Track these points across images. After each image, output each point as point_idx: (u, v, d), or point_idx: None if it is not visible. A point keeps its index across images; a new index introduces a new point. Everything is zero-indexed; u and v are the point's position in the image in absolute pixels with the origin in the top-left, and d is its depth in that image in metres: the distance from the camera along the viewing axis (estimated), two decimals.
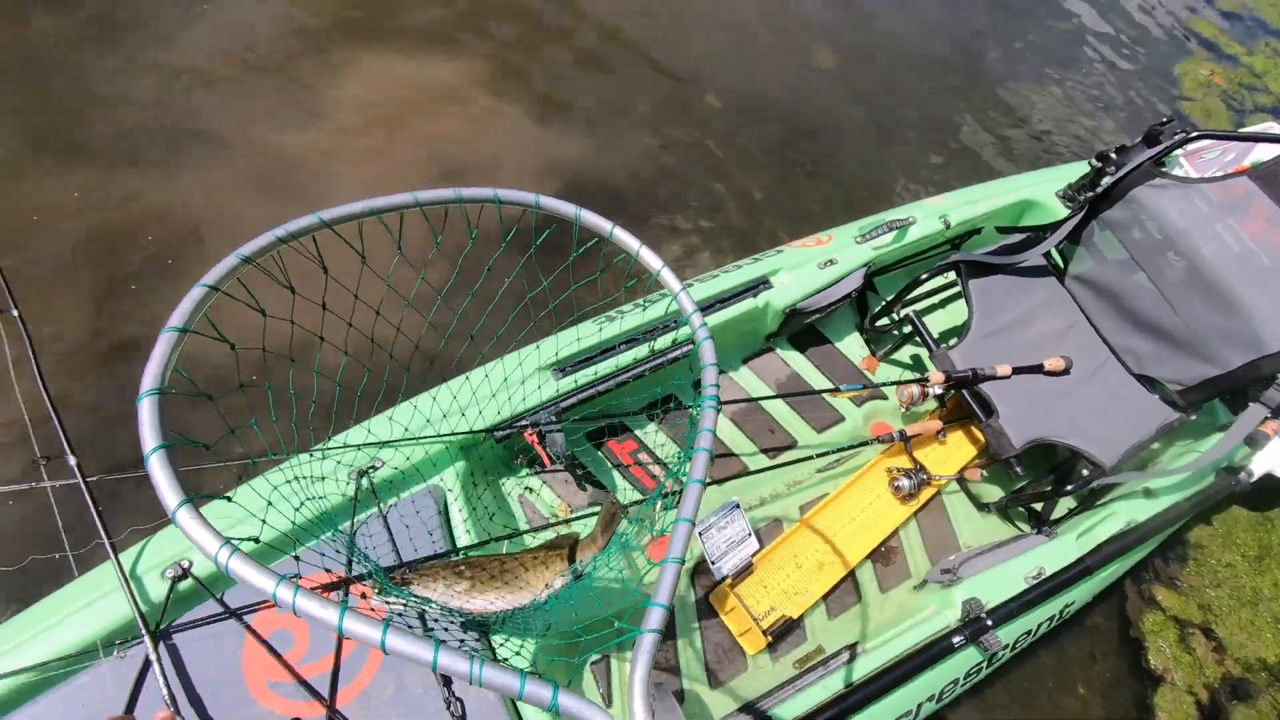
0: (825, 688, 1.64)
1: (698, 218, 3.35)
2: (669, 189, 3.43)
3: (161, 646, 1.36)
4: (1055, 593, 1.79)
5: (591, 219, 1.11)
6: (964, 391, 2.09)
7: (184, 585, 1.47)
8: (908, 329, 2.34)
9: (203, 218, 2.88)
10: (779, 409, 2.24)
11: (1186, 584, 2.58)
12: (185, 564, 1.48)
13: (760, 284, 2.15)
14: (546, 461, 1.83)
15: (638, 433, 2.12)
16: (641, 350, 1.95)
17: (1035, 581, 1.83)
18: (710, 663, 1.85)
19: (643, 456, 2.09)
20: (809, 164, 3.64)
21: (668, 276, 1.12)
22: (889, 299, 2.34)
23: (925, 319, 2.28)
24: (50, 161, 2.97)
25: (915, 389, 2.11)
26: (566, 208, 1.10)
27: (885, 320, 2.40)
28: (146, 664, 1.38)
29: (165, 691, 1.30)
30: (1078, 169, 2.65)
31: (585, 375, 1.88)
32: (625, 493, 2.02)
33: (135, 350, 2.56)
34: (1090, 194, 2.21)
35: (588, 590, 1.50)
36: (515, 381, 1.83)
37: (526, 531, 1.77)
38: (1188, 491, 2.05)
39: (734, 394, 2.24)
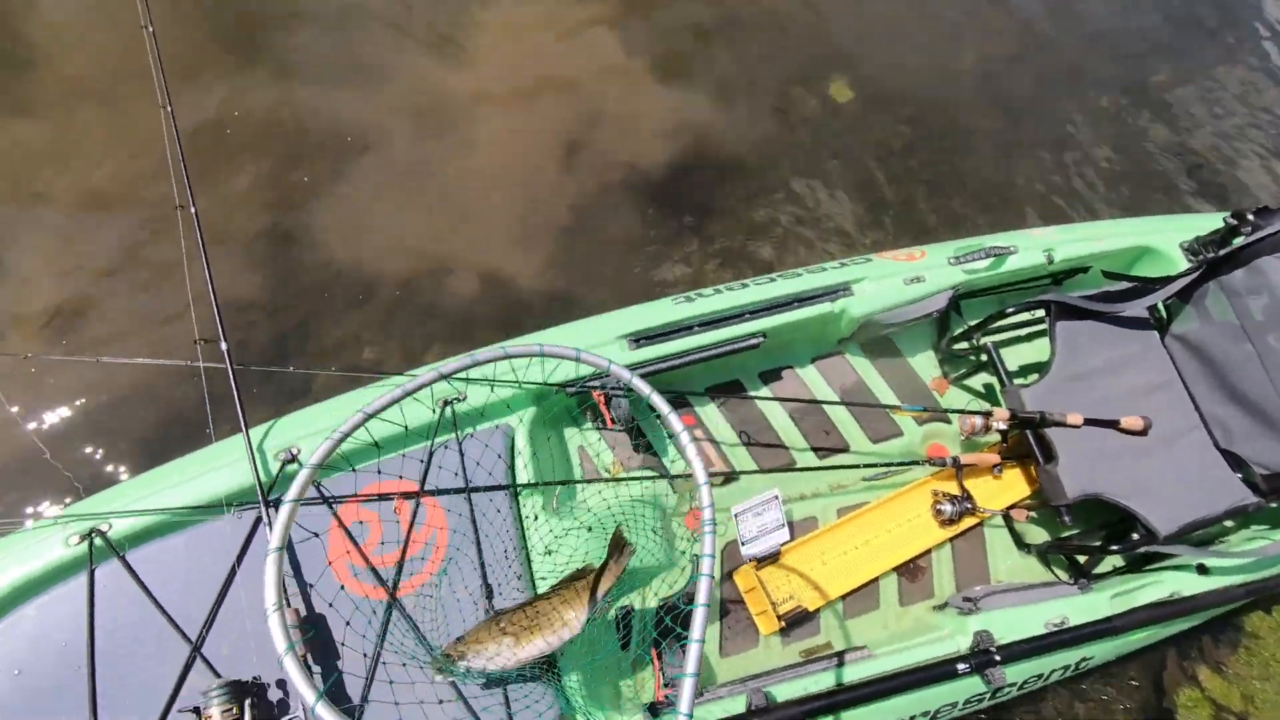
0: (825, 680, 1.76)
1: (803, 204, 3.37)
2: (782, 171, 3.46)
3: (266, 513, 1.63)
4: (1073, 644, 1.81)
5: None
6: (1028, 431, 2.09)
7: (291, 467, 1.74)
8: (985, 357, 2.33)
9: (364, 132, 3.20)
10: (838, 413, 2.31)
11: (1233, 670, 2.49)
12: (295, 450, 1.76)
13: (841, 289, 2.20)
14: (609, 422, 2.00)
15: (697, 409, 2.25)
16: (712, 335, 2.06)
17: (1055, 629, 1.85)
18: (724, 632, 2.00)
19: (698, 432, 2.22)
20: (927, 172, 3.55)
21: (678, 433, 1.31)
22: (972, 324, 2.33)
23: (1004, 351, 2.26)
24: (232, 62, 3.35)
25: (979, 420, 2.13)
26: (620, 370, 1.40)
27: (964, 345, 2.40)
28: (257, 524, 1.67)
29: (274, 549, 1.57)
30: (1210, 221, 2.49)
31: (658, 350, 2.02)
32: (674, 463, 2.17)
33: (293, 243, 2.92)
34: (1215, 253, 2.10)
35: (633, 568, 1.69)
36: (593, 344, 1.99)
37: (578, 482, 1.95)
38: (1247, 577, 1.99)
39: (796, 391, 2.32)
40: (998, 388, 2.40)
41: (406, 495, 1.74)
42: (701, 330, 2.07)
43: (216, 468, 1.71)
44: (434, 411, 1.85)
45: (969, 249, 2.34)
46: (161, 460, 1.78)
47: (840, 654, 1.88)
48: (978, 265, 2.30)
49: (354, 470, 1.80)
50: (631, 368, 2.03)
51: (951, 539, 2.19)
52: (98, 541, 1.60)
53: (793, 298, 2.17)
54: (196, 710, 1.46)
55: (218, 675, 1.54)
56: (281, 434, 1.78)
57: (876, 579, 2.10)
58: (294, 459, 1.74)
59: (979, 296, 2.39)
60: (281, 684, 1.57)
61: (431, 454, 1.81)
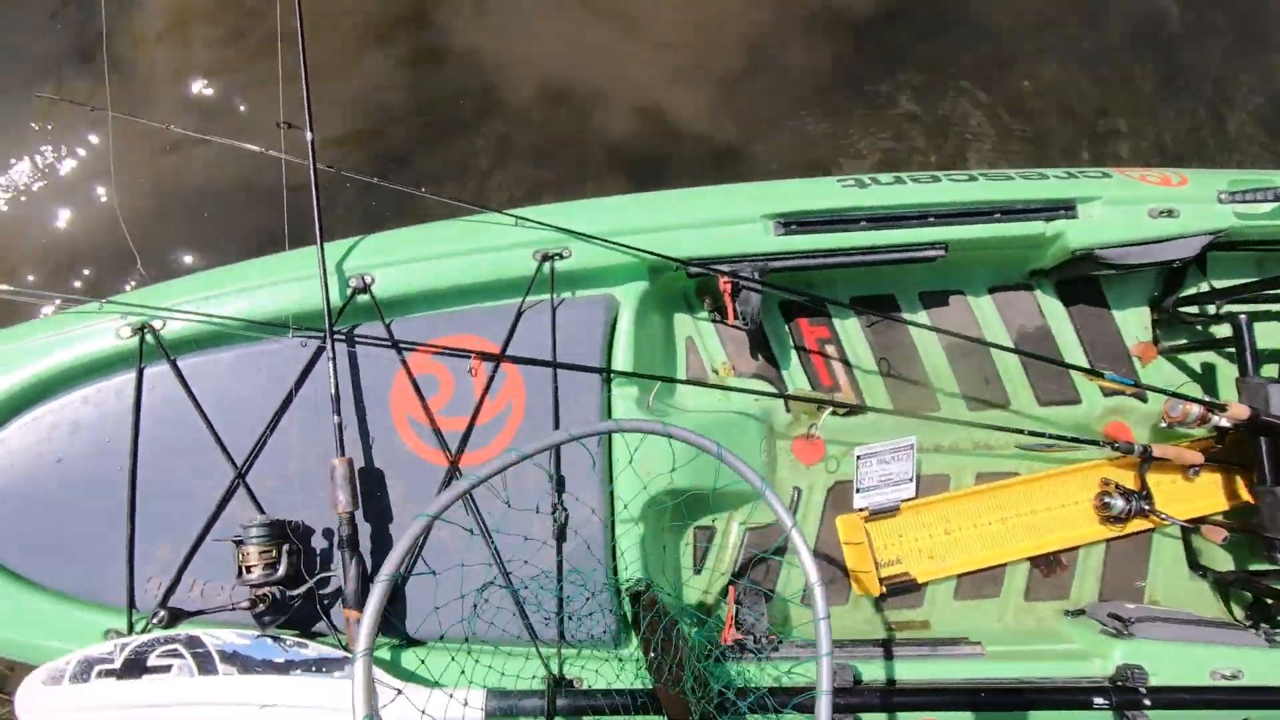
0: (922, 669, 1.48)
1: (1045, 91, 2.65)
2: (1031, 42, 2.70)
3: (330, 345, 1.40)
4: (1245, 706, 1.45)
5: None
6: (1262, 439, 1.61)
7: (362, 299, 1.50)
8: (1223, 332, 1.79)
9: None
10: (1006, 360, 1.87)
11: None
12: (369, 279, 1.51)
13: (1062, 207, 1.68)
14: (730, 317, 1.65)
15: (835, 321, 1.86)
16: (880, 235, 1.63)
17: (1225, 682, 1.49)
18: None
19: (830, 349, 1.84)
20: (1193, 73, 2.72)
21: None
22: (1218, 286, 1.79)
23: (1256, 329, 1.72)
24: None
25: (1195, 409, 1.66)
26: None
27: (1195, 310, 1.85)
28: (318, 355, 1.46)
29: (332, 382, 1.36)
30: None
31: (809, 240, 1.61)
32: (793, 378, 1.82)
33: (418, 38, 2.54)
34: None
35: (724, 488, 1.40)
36: (735, 219, 1.60)
37: (680, 381, 1.65)
38: None
39: (961, 323, 1.87)
40: (1230, 374, 1.88)
41: (485, 356, 1.49)
42: (869, 227, 1.63)
43: (283, 280, 1.49)
44: (534, 263, 1.54)
45: (1248, 184, 1.73)
46: (228, 259, 1.58)
47: (943, 641, 1.59)
48: (1256, 209, 1.71)
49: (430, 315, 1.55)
50: (770, 257, 1.65)
51: (1110, 539, 1.80)
52: (149, 339, 1.43)
53: (995, 206, 1.67)
54: (238, 541, 1.33)
55: (261, 510, 1.40)
56: (360, 256, 1.53)
57: (1005, 564, 1.76)
58: (366, 289, 1.50)
59: (1239, 250, 1.81)
60: (328, 533, 1.42)
61: (520, 314, 1.53)
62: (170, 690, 1.32)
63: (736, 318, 1.64)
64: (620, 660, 1.45)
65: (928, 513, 1.77)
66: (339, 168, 1.63)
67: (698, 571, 1.72)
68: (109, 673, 1.32)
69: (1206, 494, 1.81)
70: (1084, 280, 1.91)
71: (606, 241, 1.53)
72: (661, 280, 1.68)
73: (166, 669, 1.32)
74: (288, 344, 1.44)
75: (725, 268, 1.61)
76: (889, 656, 1.51)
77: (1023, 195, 1.69)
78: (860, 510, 1.73)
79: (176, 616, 1.25)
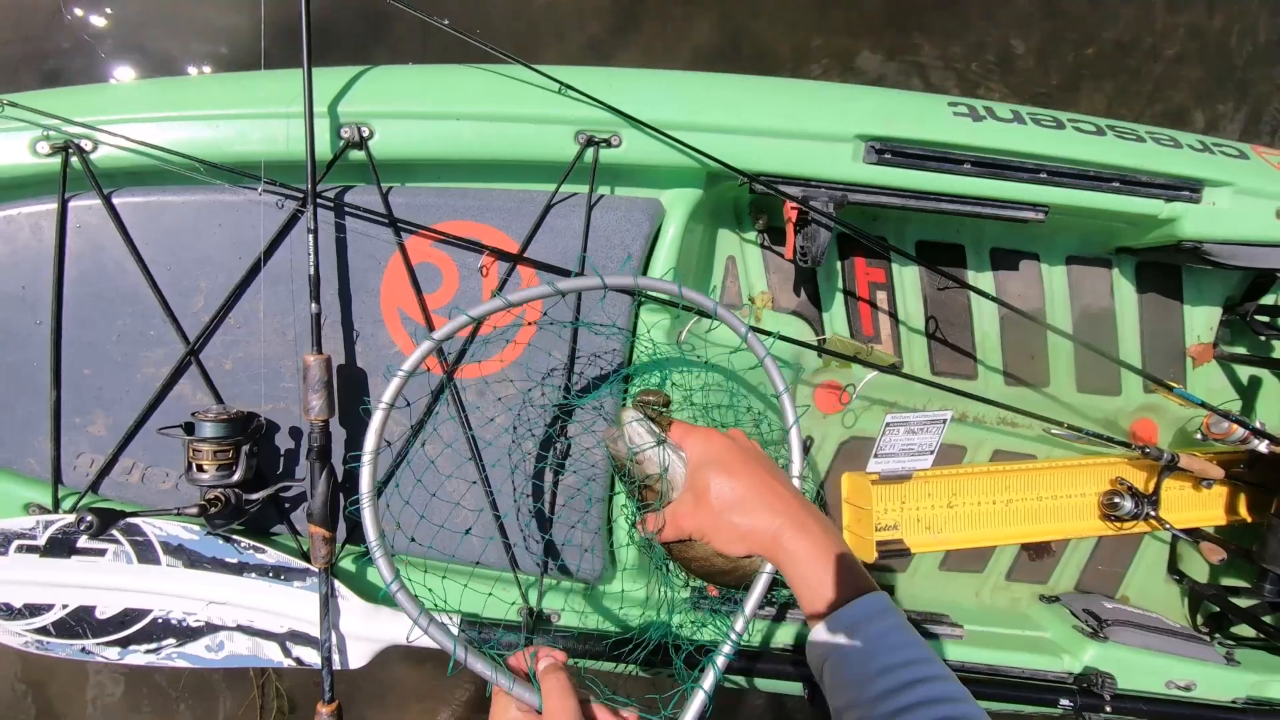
0: None
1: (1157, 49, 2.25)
2: None
3: (313, 212, 1.12)
4: None
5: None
6: None
7: (354, 154, 1.20)
8: None
9: None
10: (1058, 339, 1.71)
11: None
12: (365, 131, 1.19)
13: (1188, 188, 1.45)
14: (789, 252, 1.41)
15: (895, 268, 1.64)
16: (980, 184, 1.38)
17: (1179, 694, 1.53)
18: None
19: (880, 296, 1.64)
20: None
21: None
22: None
23: None
24: None
25: (1242, 432, 1.56)
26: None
27: (1267, 320, 1.71)
28: (294, 219, 1.19)
29: (311, 260, 1.10)
30: None
31: (901, 176, 1.35)
32: (833, 321, 1.63)
33: None
34: None
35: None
36: (817, 131, 1.32)
37: (702, 313, 1.43)
38: None
39: (1027, 292, 1.68)
40: (1277, 393, 1.78)
41: (501, 255, 1.23)
42: (974, 171, 1.37)
43: (254, 114, 1.16)
44: (575, 146, 1.24)
45: None
46: (180, 69, 1.22)
47: (926, 617, 1.57)
48: None
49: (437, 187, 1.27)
50: (851, 187, 1.39)
51: (1103, 535, 1.77)
52: (74, 161, 1.11)
53: (1117, 172, 1.42)
54: (188, 427, 1.13)
55: (218, 398, 1.19)
56: (357, 98, 1.19)
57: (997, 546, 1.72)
58: (362, 143, 1.18)
59: None
60: (295, 434, 1.23)
61: (550, 206, 1.26)
62: (102, 575, 1.18)
63: (795, 254, 1.40)
64: (604, 595, 1.38)
65: (936, 484, 1.68)
66: None
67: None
68: (30, 549, 1.16)
69: (1209, 505, 1.77)
70: (1167, 267, 1.72)
71: (669, 138, 1.24)
72: (718, 189, 1.41)
73: (100, 553, 1.17)
74: (253, 197, 1.15)
75: (796, 190, 1.34)
76: None
77: (1149, 164, 1.44)
78: (871, 473, 1.63)
79: (107, 520, 1.06)
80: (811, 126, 1.32)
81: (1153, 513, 1.70)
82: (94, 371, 1.16)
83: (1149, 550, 1.82)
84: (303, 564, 1.19)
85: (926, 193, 1.38)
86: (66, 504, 1.18)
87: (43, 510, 1.16)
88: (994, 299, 1.50)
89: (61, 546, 1.15)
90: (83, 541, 1.15)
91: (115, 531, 1.15)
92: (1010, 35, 2.22)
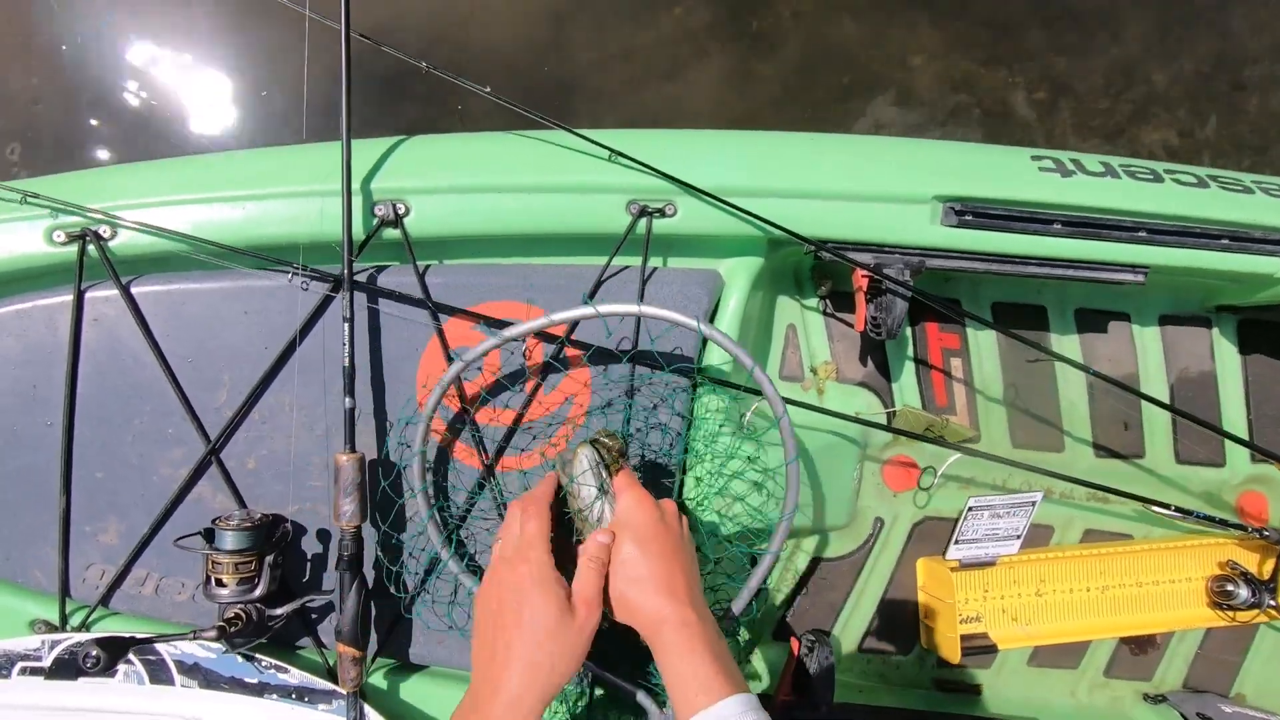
0: None
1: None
2: None
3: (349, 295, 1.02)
4: None
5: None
6: None
7: (389, 233, 1.11)
8: None
9: None
10: (1154, 408, 1.54)
11: None
12: (400, 208, 1.10)
13: None
14: (859, 323, 1.29)
15: (970, 332, 1.50)
16: (1072, 245, 1.24)
17: None
18: (873, 622, 1.50)
19: (955, 363, 1.50)
20: None
21: None
22: None
23: None
24: None
25: None
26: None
27: None
28: (325, 303, 1.09)
29: (347, 350, 0.99)
30: None
31: (984, 239, 1.22)
32: (904, 392, 1.48)
33: None
34: None
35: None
36: (890, 193, 1.20)
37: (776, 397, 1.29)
38: None
39: (1117, 356, 1.53)
40: None
41: (547, 336, 1.12)
42: (1064, 231, 1.24)
43: (284, 193, 1.08)
44: (627, 216, 1.14)
45: None
46: (209, 147, 1.15)
47: None
48: None
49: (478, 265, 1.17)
50: (930, 252, 1.26)
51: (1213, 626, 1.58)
52: (91, 249, 1.03)
53: (1225, 229, 1.28)
54: (208, 534, 1.03)
55: (240, 501, 1.08)
56: (391, 171, 1.11)
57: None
58: (398, 220, 1.09)
59: None
60: (323, 537, 1.11)
61: (600, 283, 1.15)
62: (113, 698, 1.06)
63: (867, 325, 1.27)
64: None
65: (1023, 569, 1.52)
66: (376, 39, 1.15)
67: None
68: (35, 670, 1.05)
69: None
70: (1275, 325, 1.55)
71: (728, 205, 1.13)
72: (779, 255, 1.29)
73: (110, 673, 1.06)
74: (279, 281, 1.05)
75: (867, 258, 1.22)
76: None
77: (1260, 219, 1.29)
78: (950, 560, 1.47)
79: (115, 653, 0.95)
80: (884, 187, 1.20)
81: (1272, 602, 1.51)
82: (107, 475, 1.06)
83: (1266, 639, 1.62)
84: (329, 685, 1.07)
85: (1012, 256, 1.25)
86: (75, 619, 1.08)
87: (49, 627, 1.06)
88: (1084, 368, 1.36)
89: (68, 667, 1.04)
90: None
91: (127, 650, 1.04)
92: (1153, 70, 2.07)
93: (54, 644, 1.04)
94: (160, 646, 1.05)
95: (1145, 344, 1.54)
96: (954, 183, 1.21)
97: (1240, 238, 1.28)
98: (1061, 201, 1.23)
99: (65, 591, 1.06)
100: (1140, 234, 1.26)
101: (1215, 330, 1.55)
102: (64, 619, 1.06)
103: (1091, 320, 1.52)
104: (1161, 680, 1.59)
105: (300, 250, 1.00)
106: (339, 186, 1.01)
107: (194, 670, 1.07)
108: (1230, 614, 1.55)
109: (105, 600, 1.07)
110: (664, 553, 0.78)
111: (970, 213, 1.21)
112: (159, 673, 1.07)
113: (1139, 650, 1.58)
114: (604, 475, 0.85)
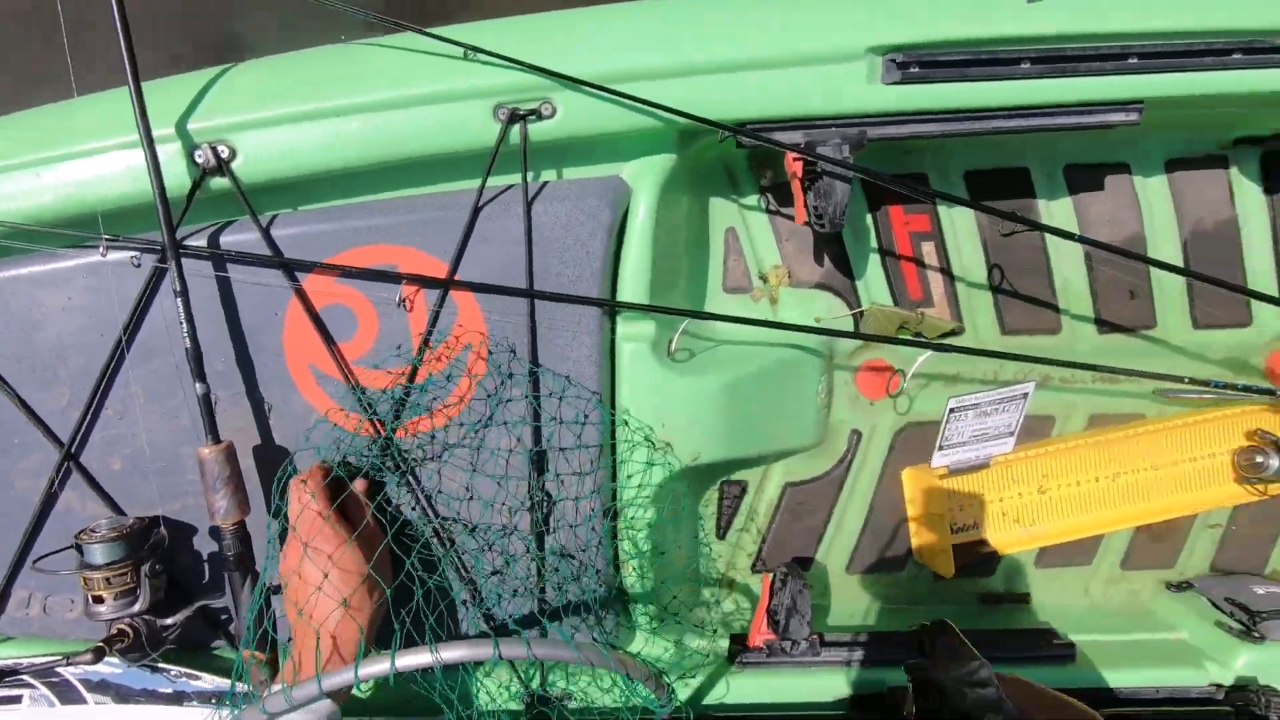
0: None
1: None
2: None
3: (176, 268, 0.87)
4: None
5: None
6: None
7: (217, 181, 0.94)
8: None
9: None
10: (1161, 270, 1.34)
11: None
12: (223, 150, 0.93)
13: None
14: (799, 216, 1.10)
15: (942, 210, 1.29)
16: (1045, 87, 1.03)
17: None
18: (861, 538, 1.38)
19: (927, 248, 1.30)
20: None
21: None
22: None
23: None
24: None
25: None
26: None
27: None
28: (158, 277, 0.94)
29: (185, 328, 0.86)
30: None
31: (937, 93, 1.01)
32: (870, 287, 1.30)
33: None
34: None
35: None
36: (815, 52, 0.99)
37: (713, 317, 1.12)
38: None
39: (1117, 214, 1.32)
40: None
41: (424, 281, 0.97)
42: (1034, 71, 1.02)
43: (85, 149, 0.91)
44: (496, 124, 0.95)
45: None
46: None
47: (1024, 638, 1.28)
48: None
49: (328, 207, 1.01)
50: (870, 120, 1.05)
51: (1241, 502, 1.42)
52: None
53: (1237, 39, 1.04)
54: (78, 547, 0.93)
55: (112, 504, 0.97)
56: (208, 110, 0.93)
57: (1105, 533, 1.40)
58: (222, 166, 0.92)
59: None
60: (216, 534, 1.01)
61: (477, 210, 0.98)
62: None
63: (809, 216, 1.08)
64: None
65: (1021, 467, 1.37)
66: None
67: (721, 536, 1.35)
68: None
69: None
70: None
71: (613, 93, 0.93)
72: (695, 149, 1.10)
73: (14, 700, 1.00)
74: (95, 258, 0.90)
75: (796, 137, 1.02)
76: None
77: (1277, 21, 1.05)
78: (938, 468, 1.32)
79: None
80: (804, 47, 0.99)
81: None
82: None
83: None
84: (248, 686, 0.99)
85: (974, 111, 1.04)
86: None
87: None
88: (1078, 238, 1.16)
89: None
90: None
91: (25, 676, 0.97)
92: None
93: None
94: (60, 668, 0.97)
95: (1150, 197, 1.32)
96: (890, 28, 0.99)
97: (1257, 49, 1.04)
98: (1026, 33, 1.00)
99: None
100: (1130, 61, 1.03)
101: (1234, 169, 1.32)
102: None
103: (1084, 177, 1.30)
104: (1185, 566, 1.45)
105: (99, 219, 0.84)
106: (141, 133, 0.85)
107: (104, 687, 1.00)
108: (1261, 488, 1.39)
109: None
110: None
111: (915, 63, 0.99)
112: (68, 694, 1.00)
113: (1157, 537, 1.44)
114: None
